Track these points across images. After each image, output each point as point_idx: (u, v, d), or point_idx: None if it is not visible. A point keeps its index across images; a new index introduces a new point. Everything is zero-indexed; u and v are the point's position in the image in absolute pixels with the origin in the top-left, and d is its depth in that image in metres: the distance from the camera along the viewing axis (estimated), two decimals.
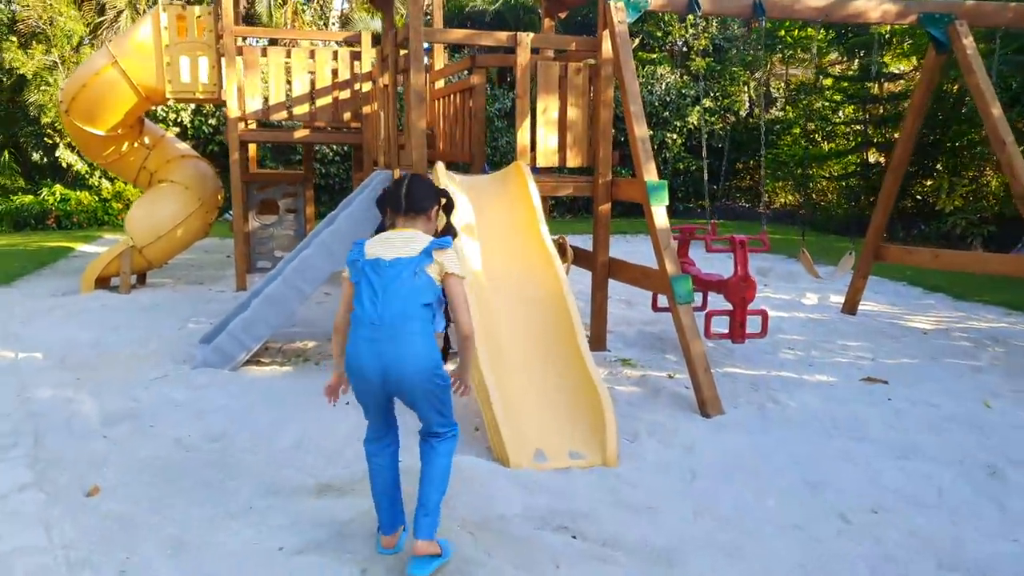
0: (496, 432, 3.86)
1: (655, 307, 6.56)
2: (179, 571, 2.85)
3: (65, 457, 3.83)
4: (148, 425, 4.28)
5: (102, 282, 8.06)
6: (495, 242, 4.95)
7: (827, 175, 16.47)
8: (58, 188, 14.42)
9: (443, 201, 3.07)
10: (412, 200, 2.92)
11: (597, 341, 6.02)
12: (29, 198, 14.39)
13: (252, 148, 10.39)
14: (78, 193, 14.59)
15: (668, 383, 5.24)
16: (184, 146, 8.91)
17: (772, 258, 11.01)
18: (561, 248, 5.85)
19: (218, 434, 4.17)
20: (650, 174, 5.02)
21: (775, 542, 3.19)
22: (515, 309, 4.65)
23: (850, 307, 7.53)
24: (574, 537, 3.21)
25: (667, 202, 5.01)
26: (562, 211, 17.98)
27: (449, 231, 3.08)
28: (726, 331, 5.64)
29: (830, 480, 3.77)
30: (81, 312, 7.03)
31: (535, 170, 5.72)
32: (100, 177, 15.01)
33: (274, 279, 5.64)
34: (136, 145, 8.34)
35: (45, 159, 15.32)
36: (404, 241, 2.85)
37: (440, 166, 5.14)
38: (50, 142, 15.02)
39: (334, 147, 15.67)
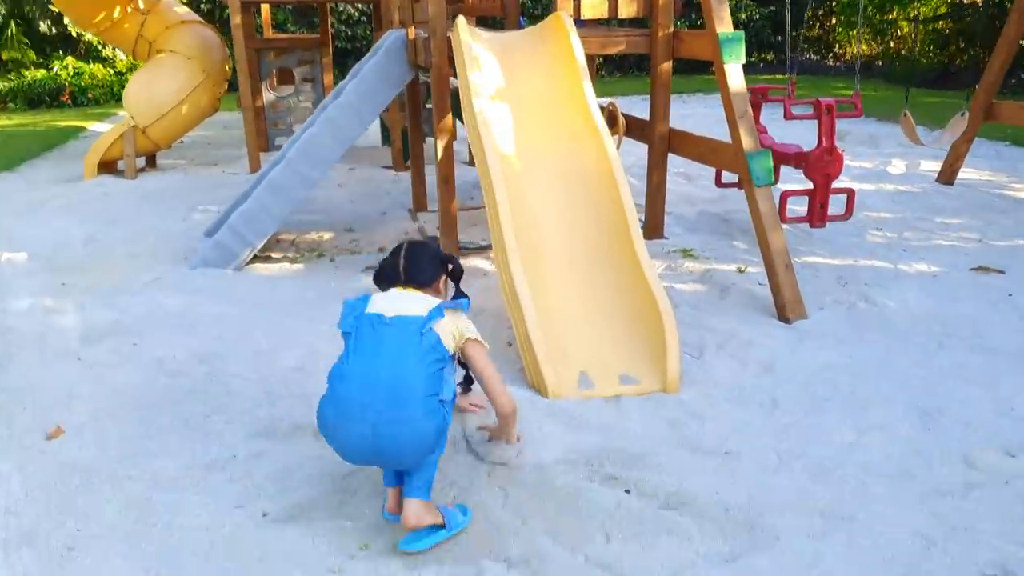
0: (531, 352, 3.17)
1: (719, 182, 5.66)
2: (134, 553, 2.30)
3: (31, 386, 3.29)
4: (131, 343, 3.71)
5: (107, 166, 7.44)
6: (530, 112, 4.07)
7: (910, 18, 14.64)
8: (70, 61, 13.61)
9: (449, 268, 2.65)
10: (412, 272, 2.50)
11: (653, 228, 5.20)
12: (41, 73, 13.62)
13: (266, 11, 9.38)
14: (91, 66, 13.78)
15: (738, 279, 4.44)
16: (184, 10, 7.95)
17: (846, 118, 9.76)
18: (611, 117, 4.93)
19: (208, 353, 3.58)
20: (723, 24, 4.00)
21: (884, 499, 2.49)
22: (555, 195, 3.84)
23: (947, 176, 6.49)
24: (627, 492, 2.57)
25: (743, 59, 4.02)
26: (610, 69, 16.54)
27: (460, 296, 2.67)
28: (803, 214, 4.77)
29: (948, 407, 3.02)
30: (80, 202, 6.45)
31: (579, 23, 4.72)
32: (113, 48, 14.09)
33: (278, 163, 4.90)
34: (129, 10, 7.44)
35: (54, 29, 14.38)
36: (410, 299, 2.41)
37: (462, 21, 4.20)
38: (56, 10, 14.05)
39: (359, 5, 14.37)
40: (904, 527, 2.36)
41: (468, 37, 4.11)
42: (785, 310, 3.84)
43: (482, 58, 4.15)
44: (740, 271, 4.56)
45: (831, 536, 2.33)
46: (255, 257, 5.02)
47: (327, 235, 5.53)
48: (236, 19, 6.94)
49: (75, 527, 2.41)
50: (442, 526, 2.34)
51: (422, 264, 2.50)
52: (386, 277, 2.49)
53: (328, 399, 2.27)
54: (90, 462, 2.75)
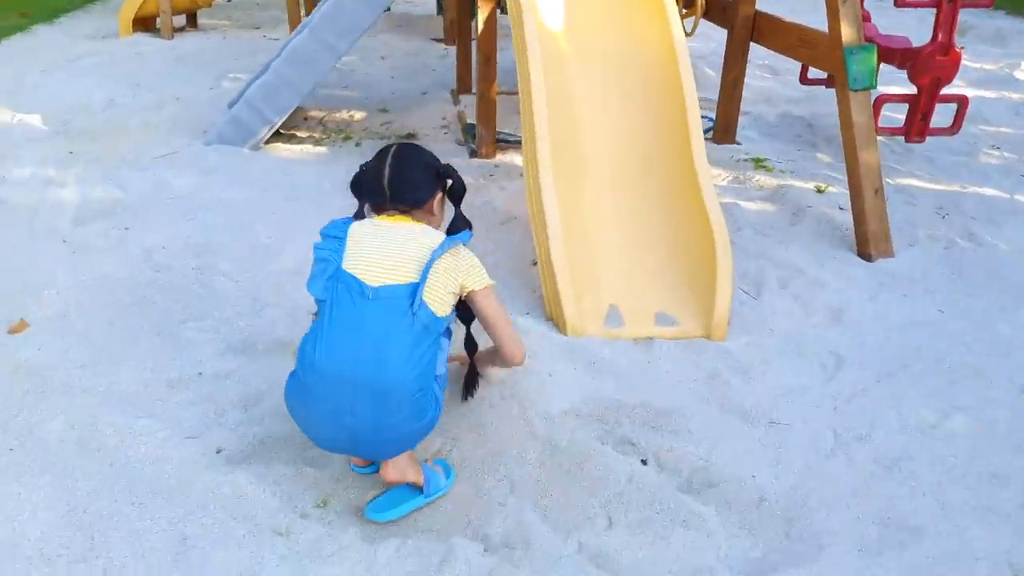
0: (551, 276, 2.69)
1: (804, 78, 4.88)
2: (64, 483, 2.00)
3: (7, 269, 3.01)
4: (124, 227, 3.37)
5: (146, 24, 6.99)
6: None
7: None
8: None
9: (449, 183, 2.08)
10: (400, 189, 1.97)
11: (724, 131, 4.52)
12: None
13: None
14: None
15: (815, 201, 3.80)
16: None
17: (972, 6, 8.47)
18: None
19: (202, 245, 3.22)
20: None
21: (965, 510, 2.00)
22: (605, 87, 3.24)
23: None
24: (644, 462, 2.15)
25: None
26: None
27: (461, 225, 2.09)
28: (901, 124, 4.04)
29: None
30: (110, 62, 6.05)
31: None
32: None
33: (302, 31, 4.36)
34: None
35: None
36: (400, 244, 1.89)
37: None
38: None
39: None
40: (989, 553, 1.88)
41: None
42: (867, 244, 3.23)
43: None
44: (819, 190, 3.91)
45: (888, 554, 1.87)
46: (278, 135, 4.59)
47: (359, 115, 5.03)
48: None
49: (10, 444, 2.14)
50: (420, 489, 1.97)
51: (413, 177, 1.98)
52: (367, 192, 2.00)
53: (296, 387, 1.85)
54: (47, 365, 2.45)
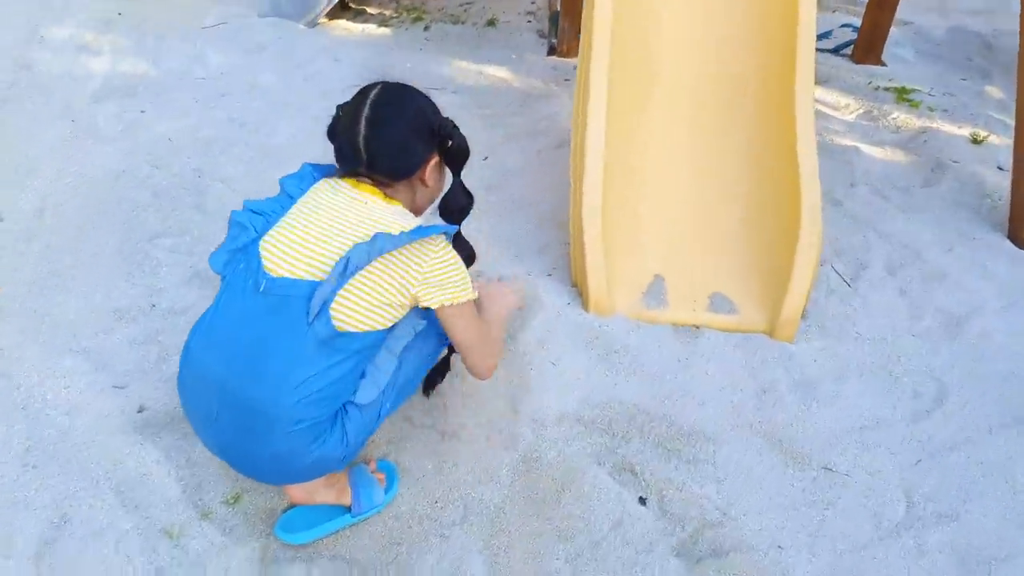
0: (579, 234, 2.14)
1: None
2: None
3: (6, 148, 2.76)
4: (140, 110, 3.05)
5: None
6: None
7: None
8: None
9: (449, 144, 1.52)
10: (378, 154, 1.44)
11: (868, 47, 3.63)
12: None
13: None
14: None
15: (966, 153, 2.96)
16: None
17: None
18: None
19: (211, 140, 2.85)
20: None
21: None
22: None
23: None
24: (643, 501, 1.68)
25: None
26: None
27: (457, 210, 1.65)
28: None
29: None
30: None
31: None
32: None
33: None
34: None
35: None
36: (341, 226, 1.40)
37: None
38: None
39: None
40: None
41: None
42: (1022, 229, 2.47)
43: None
44: (975, 140, 3.05)
45: None
46: (345, 6, 4.11)
47: None
48: None
49: None
50: (348, 508, 1.59)
51: (396, 138, 1.44)
52: (338, 152, 1.48)
53: (186, 349, 1.46)
54: None
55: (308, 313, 1.32)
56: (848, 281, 2.30)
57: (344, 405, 1.43)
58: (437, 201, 1.64)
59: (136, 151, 2.78)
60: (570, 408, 1.87)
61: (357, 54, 3.60)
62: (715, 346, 2.05)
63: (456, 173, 1.60)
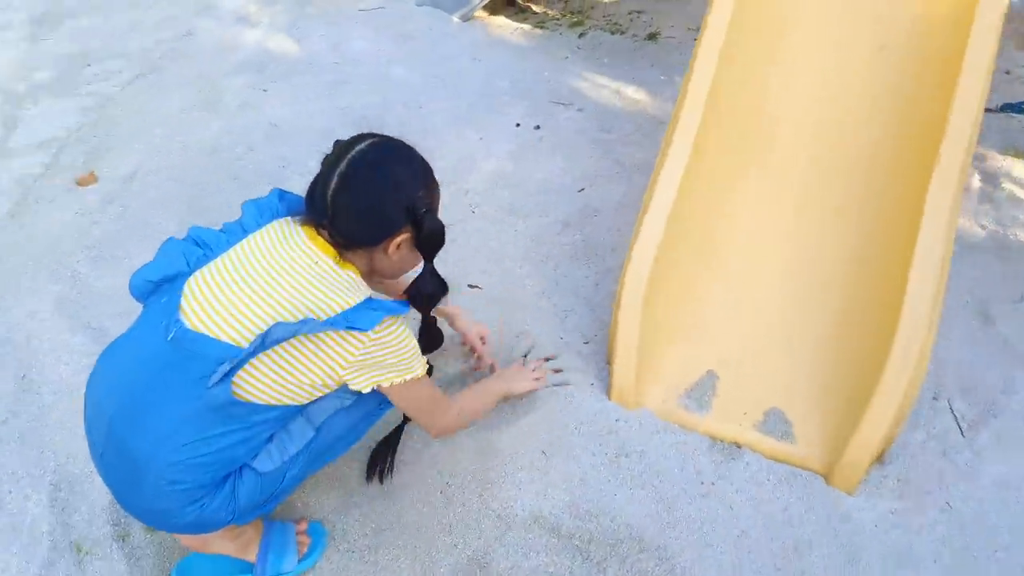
0: (617, 303, 1.81)
1: None
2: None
3: (137, 109, 2.90)
4: (263, 88, 3.08)
5: None
6: None
7: None
8: None
9: (422, 214, 1.32)
10: (343, 214, 1.28)
11: None
12: None
13: None
14: None
15: None
16: None
17: None
18: None
19: (314, 130, 2.81)
20: None
21: None
22: (837, 27, 2.06)
23: None
24: None
25: None
26: None
27: (425, 297, 1.45)
28: None
29: None
30: None
31: None
32: None
33: None
34: None
35: None
36: (277, 286, 1.24)
37: None
38: None
39: None
40: None
41: None
42: None
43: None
44: None
45: None
46: (511, 2, 3.96)
47: None
48: None
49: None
50: (252, 565, 1.45)
51: (366, 203, 1.27)
52: (308, 200, 1.32)
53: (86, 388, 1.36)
54: (63, 238, 2.29)
55: (211, 376, 1.17)
56: (964, 428, 1.79)
57: (240, 467, 1.28)
58: (405, 280, 1.49)
59: (238, 131, 2.80)
60: (548, 512, 1.59)
61: (499, 56, 3.42)
62: (753, 476, 1.67)
63: (427, 259, 1.40)
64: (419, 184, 1.32)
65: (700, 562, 1.51)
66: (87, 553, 1.49)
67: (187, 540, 1.42)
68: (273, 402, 1.24)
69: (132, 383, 1.24)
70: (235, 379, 1.19)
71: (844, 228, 1.90)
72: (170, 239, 1.37)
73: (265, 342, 1.17)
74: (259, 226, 1.37)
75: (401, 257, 1.36)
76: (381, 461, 1.64)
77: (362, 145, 1.29)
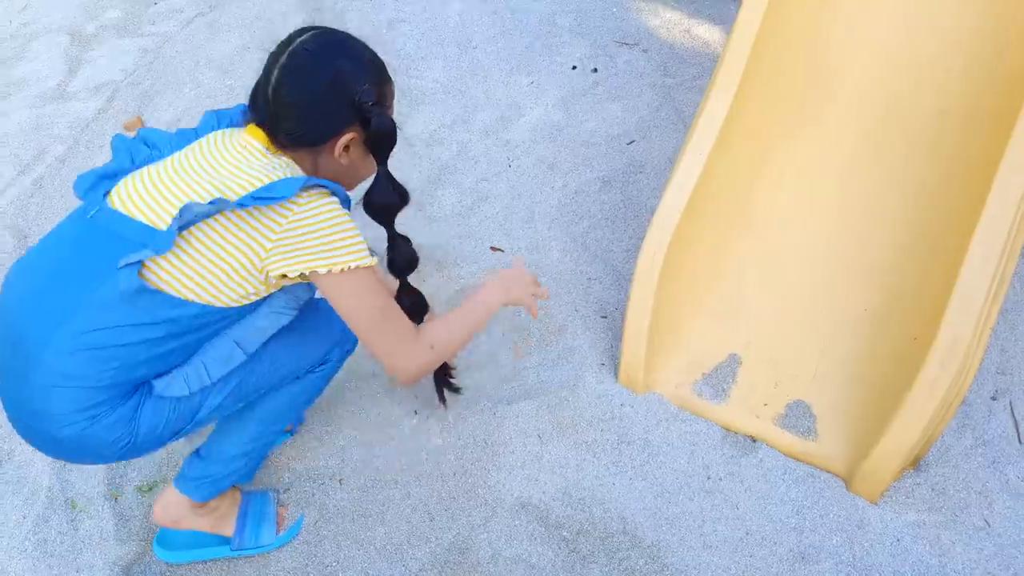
0: (637, 274, 1.67)
1: None
2: None
3: (196, 50, 2.90)
4: (313, 19, 3.01)
5: None
6: None
7: None
8: None
9: (369, 108, 1.20)
10: (283, 111, 1.18)
11: None
12: None
13: None
14: None
15: None
16: None
17: None
18: None
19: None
20: None
21: None
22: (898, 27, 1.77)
23: None
24: None
25: None
26: None
27: (381, 207, 1.32)
28: None
29: None
30: None
31: None
32: None
33: None
34: None
35: None
36: (210, 171, 1.16)
37: None
38: None
39: None
40: None
41: None
42: None
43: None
44: None
45: None
46: None
47: None
48: None
49: None
50: (227, 541, 1.46)
51: (306, 96, 1.17)
52: (254, 97, 1.21)
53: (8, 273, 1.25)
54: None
55: (124, 258, 1.09)
56: (1022, 434, 1.58)
57: (150, 388, 1.19)
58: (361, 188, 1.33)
59: None
60: (537, 499, 1.52)
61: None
62: (766, 473, 1.54)
63: (380, 161, 1.27)
64: (365, 77, 1.21)
65: (694, 564, 1.42)
66: (81, 511, 1.54)
67: (158, 515, 1.42)
68: (189, 296, 1.12)
69: (40, 266, 1.17)
70: (149, 264, 1.10)
71: (898, 203, 1.68)
72: (117, 135, 1.31)
73: (181, 223, 1.08)
74: (204, 130, 1.30)
75: (352, 162, 1.25)
76: (442, 384, 1.59)
77: (304, 37, 1.19)
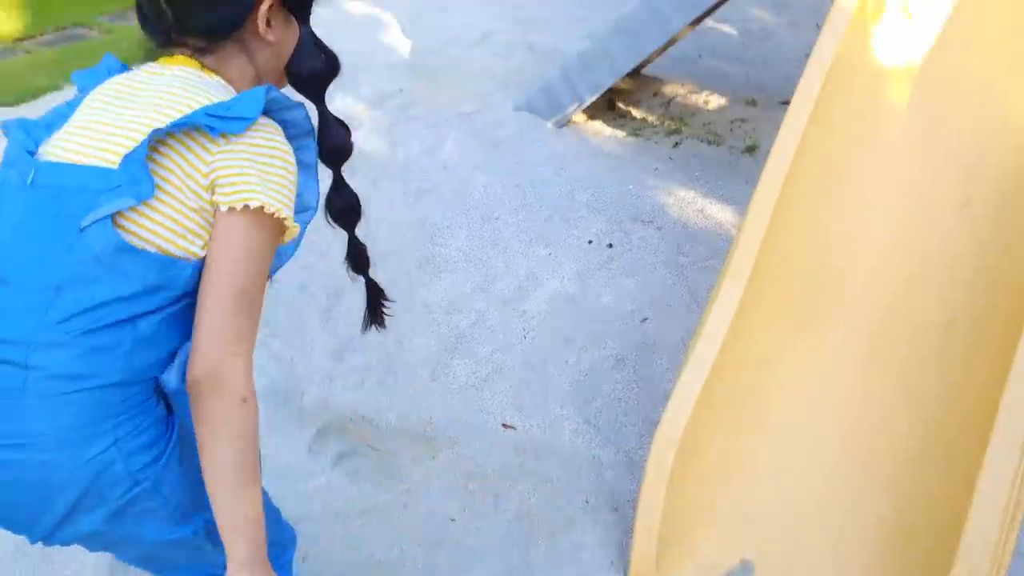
0: (654, 452, 1.66)
1: None
2: None
3: None
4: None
5: None
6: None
7: None
8: None
9: None
10: (185, 6, 1.03)
11: None
12: None
13: None
14: None
15: None
16: None
17: None
18: None
19: (381, 245, 2.86)
20: None
21: None
22: (919, 167, 1.88)
23: None
24: None
25: None
26: None
27: (308, 75, 1.15)
28: None
29: None
30: None
31: None
32: None
33: None
34: None
35: None
36: (140, 105, 0.99)
37: None
38: None
39: None
40: None
41: None
42: None
43: None
44: None
45: None
46: (613, 105, 3.95)
47: (716, 101, 4.02)
48: None
49: None
50: None
51: None
52: (141, 20, 1.07)
53: None
54: None
55: (83, 219, 0.91)
56: None
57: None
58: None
59: (313, 238, 2.89)
60: None
61: (585, 167, 3.39)
62: None
63: (304, 20, 1.14)
64: None
65: None
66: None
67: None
68: (179, 250, 0.94)
69: (20, 271, 0.93)
70: (124, 214, 0.92)
71: (908, 413, 1.70)
72: (4, 123, 1.09)
73: (148, 139, 0.92)
74: (95, 83, 1.10)
75: (278, 37, 1.09)
76: (375, 307, 1.38)
77: None
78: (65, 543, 1.01)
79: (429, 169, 3.38)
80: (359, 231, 1.32)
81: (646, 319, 2.48)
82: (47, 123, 1.07)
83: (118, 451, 0.94)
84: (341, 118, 1.20)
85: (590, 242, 2.86)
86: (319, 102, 1.18)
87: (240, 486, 0.96)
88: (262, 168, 0.96)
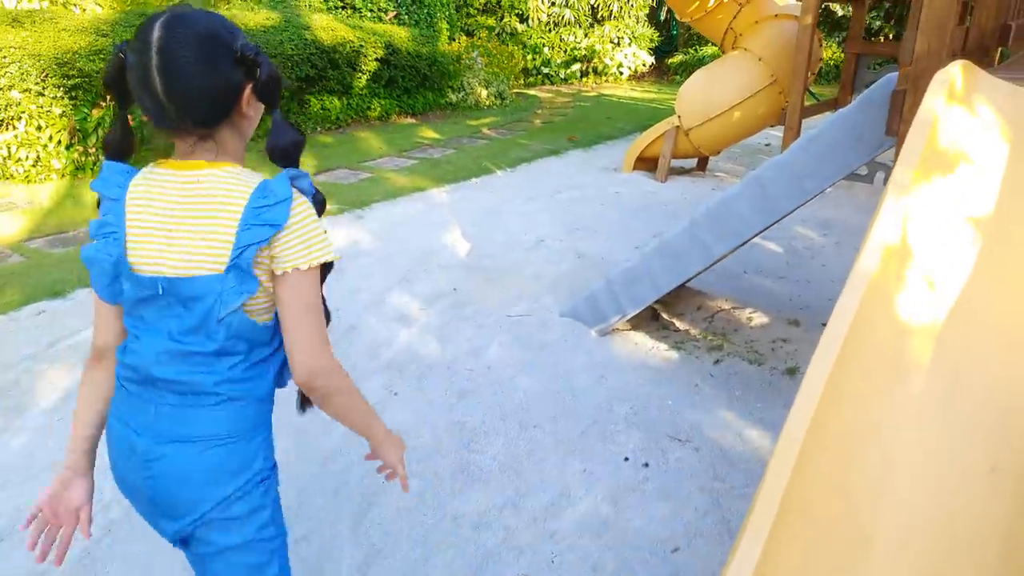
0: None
1: None
2: None
3: None
4: (392, 392, 3.32)
5: (651, 163, 7.10)
6: None
7: None
8: None
9: (253, 57, 1.27)
10: (182, 97, 1.24)
11: None
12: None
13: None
14: None
15: None
16: (786, 2, 6.80)
17: None
18: None
19: (419, 442, 2.94)
20: None
21: None
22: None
23: None
24: None
25: None
26: None
27: (289, 146, 1.35)
28: None
29: None
30: (581, 198, 6.27)
31: None
32: None
33: (686, 223, 3.75)
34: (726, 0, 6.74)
35: None
36: (201, 212, 1.28)
37: (953, 72, 2.31)
38: None
39: None
40: None
41: (943, 101, 2.23)
42: None
43: (965, 142, 2.24)
44: None
45: None
46: (656, 317, 4.08)
47: (759, 319, 4.12)
48: (807, 18, 5.57)
49: None
50: None
51: (202, 76, 1.22)
52: (143, 108, 1.27)
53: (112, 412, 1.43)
54: None
55: (219, 312, 1.27)
56: None
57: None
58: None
59: (351, 437, 3.00)
60: None
61: (626, 378, 3.48)
62: None
63: (275, 105, 1.33)
64: (234, 33, 1.28)
65: None
66: None
67: None
68: (266, 316, 1.34)
69: (160, 358, 1.32)
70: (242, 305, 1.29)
71: None
72: (83, 248, 1.35)
73: (250, 248, 1.25)
74: (122, 186, 1.33)
75: (255, 111, 1.35)
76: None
77: (158, 32, 1.20)
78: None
79: (474, 370, 3.51)
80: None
81: (677, 549, 2.44)
82: (109, 235, 1.32)
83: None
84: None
85: (626, 459, 2.88)
86: (294, 159, 1.38)
87: (365, 414, 1.45)
88: (308, 239, 1.29)
